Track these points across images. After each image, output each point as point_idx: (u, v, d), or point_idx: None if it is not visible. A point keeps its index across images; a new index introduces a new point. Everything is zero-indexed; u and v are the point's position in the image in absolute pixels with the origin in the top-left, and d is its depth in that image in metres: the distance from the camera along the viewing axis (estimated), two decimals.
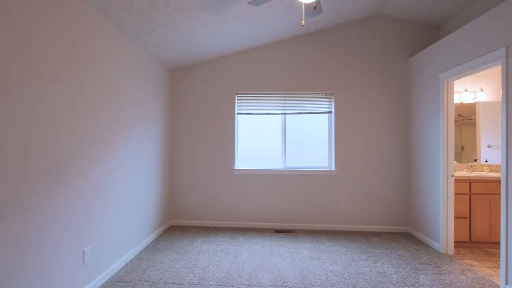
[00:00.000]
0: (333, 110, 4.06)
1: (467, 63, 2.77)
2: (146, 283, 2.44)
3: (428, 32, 3.95)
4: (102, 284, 2.42)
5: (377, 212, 3.99)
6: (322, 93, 4.08)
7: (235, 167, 4.16)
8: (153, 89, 3.60)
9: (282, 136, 4.16)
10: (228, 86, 4.17)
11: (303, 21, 1.87)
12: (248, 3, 2.20)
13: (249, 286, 2.39)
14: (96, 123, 2.38)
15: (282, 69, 4.10)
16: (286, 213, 4.09)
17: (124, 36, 2.87)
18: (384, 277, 2.57)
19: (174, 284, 2.42)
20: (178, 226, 4.16)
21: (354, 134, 4.02)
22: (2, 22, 1.53)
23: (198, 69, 4.21)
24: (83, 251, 2.21)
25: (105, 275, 2.48)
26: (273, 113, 4.15)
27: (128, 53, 2.94)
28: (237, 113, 4.20)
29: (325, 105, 4.09)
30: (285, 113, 4.14)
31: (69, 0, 2.06)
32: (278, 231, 3.94)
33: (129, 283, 2.43)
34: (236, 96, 4.19)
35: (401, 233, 3.87)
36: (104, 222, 2.50)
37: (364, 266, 2.81)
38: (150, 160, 3.51)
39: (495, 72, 3.86)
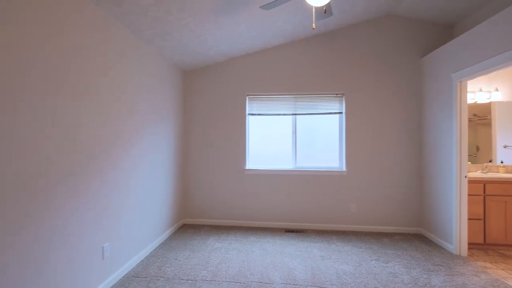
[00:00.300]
0: (343, 111, 4.07)
1: (480, 63, 2.75)
2: (161, 278, 2.53)
3: (441, 31, 3.91)
4: (120, 279, 2.52)
5: (389, 213, 3.97)
6: (333, 94, 4.09)
7: (246, 167, 4.22)
8: (167, 90, 3.70)
9: (292, 137, 4.20)
10: (239, 87, 4.24)
11: (313, 24, 1.91)
12: (260, 7, 2.26)
13: (261, 284, 2.44)
14: (112, 125, 2.49)
15: (293, 70, 4.14)
16: (297, 213, 4.12)
17: (140, 40, 2.97)
18: (395, 277, 2.58)
19: (188, 280, 2.50)
20: (190, 224, 4.26)
21: (365, 135, 4.01)
22: (16, 22, 1.64)
23: (210, 71, 4.30)
24: (103, 247, 2.31)
25: (122, 271, 2.59)
26: (283, 114, 4.19)
27: (143, 57, 3.05)
28: (248, 114, 4.27)
29: (336, 105, 4.10)
30: (295, 114, 4.17)
31: (86, 5, 2.17)
32: (289, 231, 3.98)
33: (145, 278, 2.52)
34: (247, 97, 4.25)
35: (413, 234, 3.84)
36: (121, 220, 2.61)
37: (375, 266, 2.82)
38: (164, 159, 3.61)
39: (511, 72, 3.79)
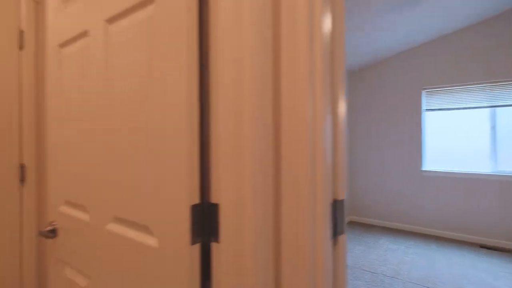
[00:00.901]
0: None
1: None
2: None
3: None
4: None
5: None
6: None
7: (423, 168, 3.87)
8: None
9: (490, 133, 3.47)
10: (413, 81, 3.94)
11: None
12: None
13: None
14: None
15: (484, 53, 3.41)
16: (496, 227, 3.37)
17: None
18: None
19: (368, 271, 2.66)
20: (358, 222, 4.37)
21: None
22: None
23: (378, 68, 4.23)
24: None
25: None
26: (474, 107, 3.54)
27: None
28: (425, 109, 3.89)
29: None
30: (494, 106, 3.42)
31: None
32: (483, 247, 3.33)
33: None
34: (423, 91, 3.88)
35: None
36: None
37: None
38: None
39: None
